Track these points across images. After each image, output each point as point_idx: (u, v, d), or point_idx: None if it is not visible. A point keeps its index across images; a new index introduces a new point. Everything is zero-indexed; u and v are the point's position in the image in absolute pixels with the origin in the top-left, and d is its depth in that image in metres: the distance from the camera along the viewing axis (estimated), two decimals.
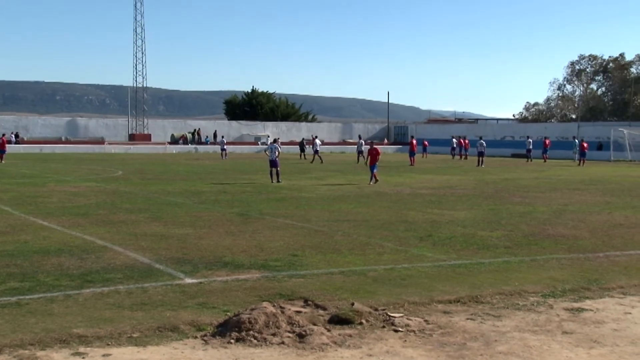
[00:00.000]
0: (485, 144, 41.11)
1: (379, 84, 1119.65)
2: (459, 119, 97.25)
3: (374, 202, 18.13)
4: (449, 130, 66.07)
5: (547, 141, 49.06)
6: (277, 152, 24.77)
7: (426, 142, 54.98)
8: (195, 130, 66.77)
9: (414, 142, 42.81)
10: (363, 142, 42.08)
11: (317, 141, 44.98)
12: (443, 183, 25.26)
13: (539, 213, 15.90)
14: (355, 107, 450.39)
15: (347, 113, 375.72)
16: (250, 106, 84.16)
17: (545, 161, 46.27)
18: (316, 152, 42.54)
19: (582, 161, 43.23)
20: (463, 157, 50.30)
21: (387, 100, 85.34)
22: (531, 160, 46.79)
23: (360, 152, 40.71)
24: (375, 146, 25.48)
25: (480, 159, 39.59)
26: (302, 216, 14.81)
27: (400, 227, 13.27)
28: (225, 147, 49.03)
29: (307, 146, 48.68)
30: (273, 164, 24.59)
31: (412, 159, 40.34)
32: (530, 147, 48.62)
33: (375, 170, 24.80)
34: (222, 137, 52.98)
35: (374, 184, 23.92)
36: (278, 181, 24.17)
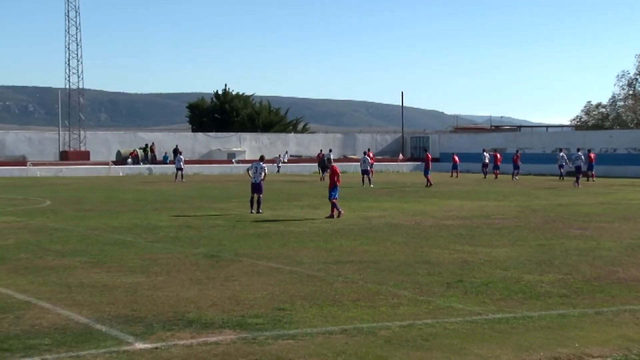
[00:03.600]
0: (583, 158, 45.03)
1: (390, 84, 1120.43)
2: (495, 127, 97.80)
3: (385, 237, 18.13)
4: (482, 141, 66.42)
5: (592, 155, 49.10)
6: (262, 174, 24.75)
7: (456, 158, 55.17)
8: (148, 145, 66.93)
9: (430, 156, 44.34)
10: (369, 158, 42.27)
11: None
12: (476, 211, 25.31)
13: (606, 250, 15.91)
14: (360, 112, 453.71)
15: (349, 120, 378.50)
16: (221, 112, 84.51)
17: (588, 180, 46.30)
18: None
19: None
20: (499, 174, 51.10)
21: (401, 104, 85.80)
22: (562, 178, 48.00)
23: (365, 172, 41.13)
24: (332, 164, 23.94)
25: (578, 175, 43.04)
26: (291, 257, 14.79)
27: (420, 269, 13.26)
28: (182, 166, 48.68)
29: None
30: (256, 188, 24.55)
31: (428, 177, 41.25)
32: (563, 162, 49.12)
33: (334, 198, 22.97)
34: (180, 153, 52.90)
35: (337, 217, 22.41)
36: (258, 211, 24.16)
